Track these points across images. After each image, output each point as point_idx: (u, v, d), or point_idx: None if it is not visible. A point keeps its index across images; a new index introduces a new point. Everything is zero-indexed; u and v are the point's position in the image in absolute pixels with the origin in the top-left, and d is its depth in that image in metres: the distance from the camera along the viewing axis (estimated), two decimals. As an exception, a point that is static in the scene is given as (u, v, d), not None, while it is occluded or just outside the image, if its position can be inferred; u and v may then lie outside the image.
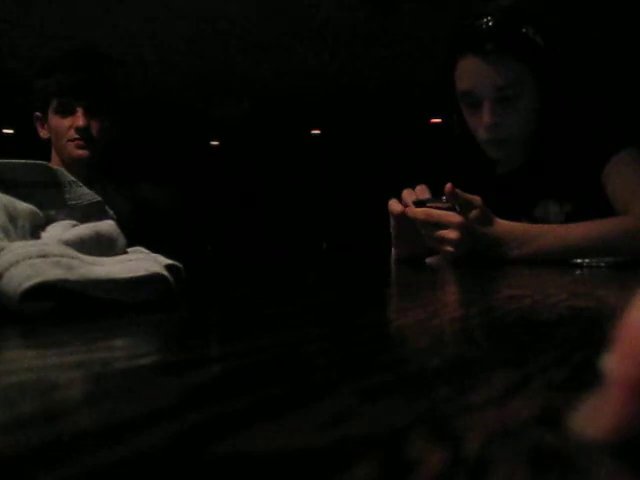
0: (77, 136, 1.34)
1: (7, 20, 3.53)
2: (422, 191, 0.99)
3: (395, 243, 1.11)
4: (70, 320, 0.28)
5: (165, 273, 0.34)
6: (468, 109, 1.09)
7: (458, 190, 0.92)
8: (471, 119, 1.10)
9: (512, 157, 1.13)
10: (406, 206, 0.98)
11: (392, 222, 1.06)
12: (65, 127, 1.35)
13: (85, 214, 0.42)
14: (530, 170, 1.13)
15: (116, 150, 1.41)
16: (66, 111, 1.35)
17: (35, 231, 0.37)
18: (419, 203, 0.96)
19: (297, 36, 4.00)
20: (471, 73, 1.05)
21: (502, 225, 0.96)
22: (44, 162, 0.42)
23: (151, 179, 1.59)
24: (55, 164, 1.37)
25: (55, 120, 1.36)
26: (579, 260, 0.83)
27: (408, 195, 0.99)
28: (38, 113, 1.41)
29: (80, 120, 1.33)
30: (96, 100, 1.34)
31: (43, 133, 1.42)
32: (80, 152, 1.35)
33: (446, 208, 0.93)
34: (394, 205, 1.00)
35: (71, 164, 1.33)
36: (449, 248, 0.94)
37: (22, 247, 0.30)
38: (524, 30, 1.02)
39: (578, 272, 0.73)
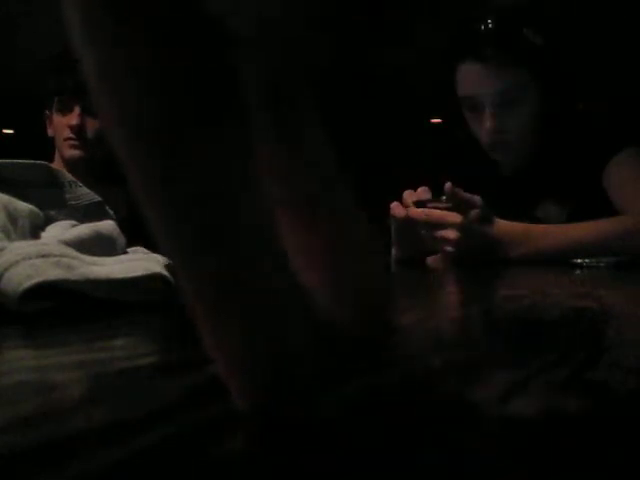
0: (71, 135, 1.33)
1: (8, 19, 3.53)
2: (424, 193, 1.00)
3: (395, 243, 1.11)
4: (70, 320, 0.28)
5: (165, 273, 0.34)
6: (470, 113, 1.10)
7: (458, 189, 0.93)
8: (473, 123, 1.10)
9: (514, 158, 1.13)
10: (406, 206, 0.98)
11: (393, 223, 1.06)
12: (63, 125, 1.35)
13: (85, 214, 0.42)
14: (532, 171, 1.13)
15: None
16: (65, 109, 1.34)
17: (35, 231, 0.37)
18: (419, 203, 0.97)
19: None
20: (471, 79, 1.05)
21: (502, 225, 0.96)
22: (44, 162, 0.42)
23: None
24: (57, 163, 1.37)
25: (56, 118, 1.37)
26: (579, 260, 0.83)
27: (409, 196, 1.00)
28: (47, 112, 1.41)
29: (74, 119, 1.32)
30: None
31: (49, 131, 1.42)
32: (72, 152, 1.33)
33: (446, 208, 0.94)
34: (397, 209, 1.00)
35: (66, 163, 1.33)
36: (449, 248, 0.94)
37: (22, 247, 0.30)
38: (524, 33, 1.02)
39: (578, 272, 0.73)
